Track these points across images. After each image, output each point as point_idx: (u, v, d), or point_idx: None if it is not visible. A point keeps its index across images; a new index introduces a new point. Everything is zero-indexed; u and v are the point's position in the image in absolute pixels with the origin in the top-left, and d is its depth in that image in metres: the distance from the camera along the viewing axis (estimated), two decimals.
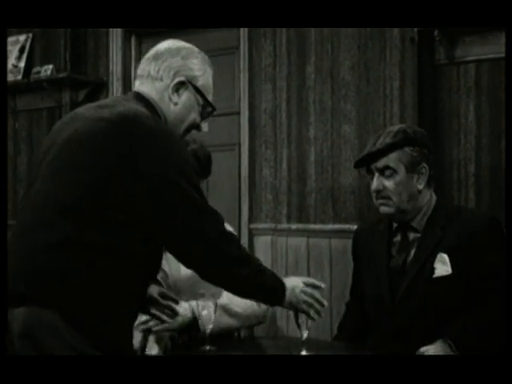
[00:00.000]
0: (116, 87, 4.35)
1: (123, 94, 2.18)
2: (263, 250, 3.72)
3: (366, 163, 2.57)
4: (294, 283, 2.15)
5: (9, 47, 4.61)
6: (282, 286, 2.11)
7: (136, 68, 4.41)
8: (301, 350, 2.25)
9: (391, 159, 2.48)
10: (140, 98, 2.08)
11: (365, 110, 3.43)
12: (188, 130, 2.17)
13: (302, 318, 2.24)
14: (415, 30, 3.24)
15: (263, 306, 2.66)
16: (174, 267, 2.61)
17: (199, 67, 2.16)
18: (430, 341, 2.35)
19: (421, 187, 2.51)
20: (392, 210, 2.51)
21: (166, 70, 2.10)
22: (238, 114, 3.92)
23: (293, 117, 3.66)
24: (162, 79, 2.10)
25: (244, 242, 3.62)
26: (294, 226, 3.62)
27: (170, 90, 2.09)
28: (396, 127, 2.58)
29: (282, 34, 3.70)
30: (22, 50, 4.57)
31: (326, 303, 2.19)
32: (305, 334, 2.26)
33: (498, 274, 2.38)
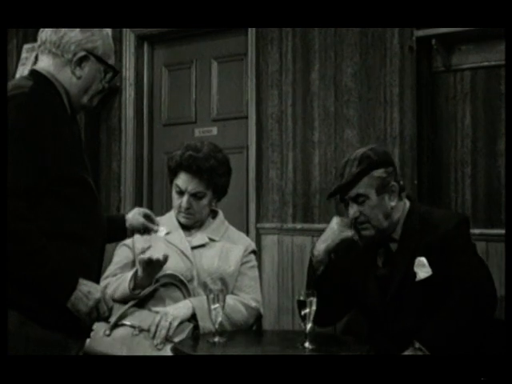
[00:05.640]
0: (129, 92, 4.42)
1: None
2: (270, 249, 3.78)
3: (338, 194, 2.61)
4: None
5: (25, 54, 4.65)
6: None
7: (149, 75, 4.49)
8: (304, 342, 2.33)
9: (361, 186, 2.53)
10: (36, 74, 2.08)
11: (366, 115, 3.50)
12: (93, 97, 2.18)
13: (306, 310, 2.32)
14: (414, 38, 3.32)
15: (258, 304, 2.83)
16: (197, 259, 2.79)
17: (98, 36, 2.14)
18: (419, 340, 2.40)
19: (393, 204, 2.56)
20: (373, 232, 2.56)
21: (66, 46, 2.08)
22: (246, 118, 3.97)
23: (298, 121, 3.73)
24: (62, 55, 2.08)
25: (251, 240, 3.57)
26: (299, 226, 3.67)
27: (72, 66, 2.09)
28: (359, 153, 2.58)
29: (287, 41, 3.77)
30: (38, 57, 4.63)
31: None
32: (308, 327, 2.34)
33: (466, 273, 2.44)
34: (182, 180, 2.84)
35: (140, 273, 2.66)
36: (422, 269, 2.50)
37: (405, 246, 2.56)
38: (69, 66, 2.10)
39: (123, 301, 2.70)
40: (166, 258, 2.62)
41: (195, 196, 2.83)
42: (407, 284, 2.52)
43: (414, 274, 2.51)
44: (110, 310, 2.11)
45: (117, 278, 2.77)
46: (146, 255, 2.62)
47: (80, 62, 2.11)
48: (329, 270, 2.66)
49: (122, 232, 2.58)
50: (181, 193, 2.85)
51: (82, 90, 2.14)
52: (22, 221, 1.91)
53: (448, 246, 2.49)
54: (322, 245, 2.64)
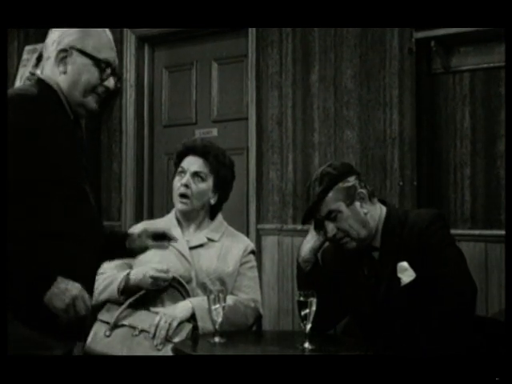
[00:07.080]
0: (129, 94, 4.44)
1: None
2: (270, 250, 3.80)
3: (311, 217, 2.62)
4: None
5: (26, 55, 4.69)
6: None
7: (149, 76, 4.49)
8: (304, 342, 2.33)
9: (329, 203, 2.54)
10: (38, 80, 2.14)
11: (366, 117, 3.52)
12: (86, 92, 2.15)
13: (306, 311, 2.32)
14: (413, 40, 3.34)
15: (258, 305, 2.84)
16: (196, 260, 2.81)
17: (78, 30, 2.14)
18: (411, 343, 2.41)
19: (366, 210, 2.57)
20: (355, 244, 2.57)
21: (50, 47, 2.14)
22: (246, 119, 3.99)
23: (298, 122, 3.75)
24: (49, 56, 2.14)
25: (252, 241, 3.60)
26: (299, 227, 3.66)
27: (57, 63, 2.12)
28: (319, 172, 2.61)
29: (287, 43, 3.80)
30: (39, 58, 4.65)
31: None
32: (308, 327, 2.34)
33: (445, 271, 2.44)
34: (187, 161, 2.89)
35: (137, 280, 2.67)
36: (405, 273, 2.50)
37: (386, 253, 2.57)
38: (55, 65, 2.13)
39: (110, 301, 2.71)
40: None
41: (197, 175, 2.85)
42: (394, 291, 2.52)
43: (399, 280, 2.51)
44: (88, 308, 2.09)
45: (105, 278, 2.76)
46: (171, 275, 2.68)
47: (62, 57, 2.12)
48: (316, 268, 2.68)
49: (120, 250, 2.49)
50: (183, 172, 2.87)
51: (70, 85, 2.12)
52: None
53: (424, 245, 2.49)
54: (307, 245, 2.68)
